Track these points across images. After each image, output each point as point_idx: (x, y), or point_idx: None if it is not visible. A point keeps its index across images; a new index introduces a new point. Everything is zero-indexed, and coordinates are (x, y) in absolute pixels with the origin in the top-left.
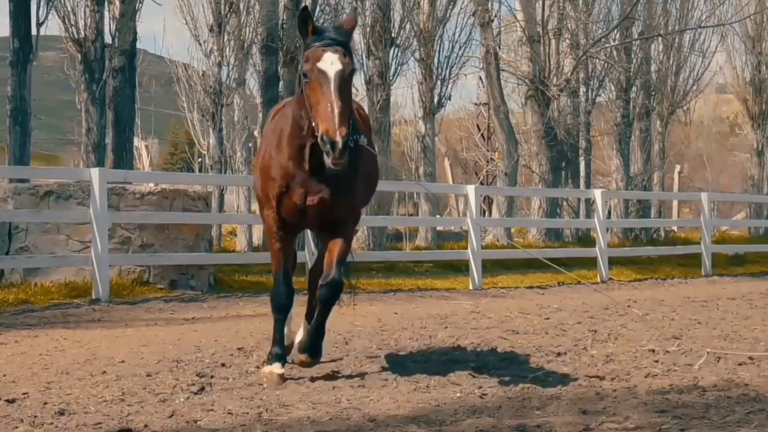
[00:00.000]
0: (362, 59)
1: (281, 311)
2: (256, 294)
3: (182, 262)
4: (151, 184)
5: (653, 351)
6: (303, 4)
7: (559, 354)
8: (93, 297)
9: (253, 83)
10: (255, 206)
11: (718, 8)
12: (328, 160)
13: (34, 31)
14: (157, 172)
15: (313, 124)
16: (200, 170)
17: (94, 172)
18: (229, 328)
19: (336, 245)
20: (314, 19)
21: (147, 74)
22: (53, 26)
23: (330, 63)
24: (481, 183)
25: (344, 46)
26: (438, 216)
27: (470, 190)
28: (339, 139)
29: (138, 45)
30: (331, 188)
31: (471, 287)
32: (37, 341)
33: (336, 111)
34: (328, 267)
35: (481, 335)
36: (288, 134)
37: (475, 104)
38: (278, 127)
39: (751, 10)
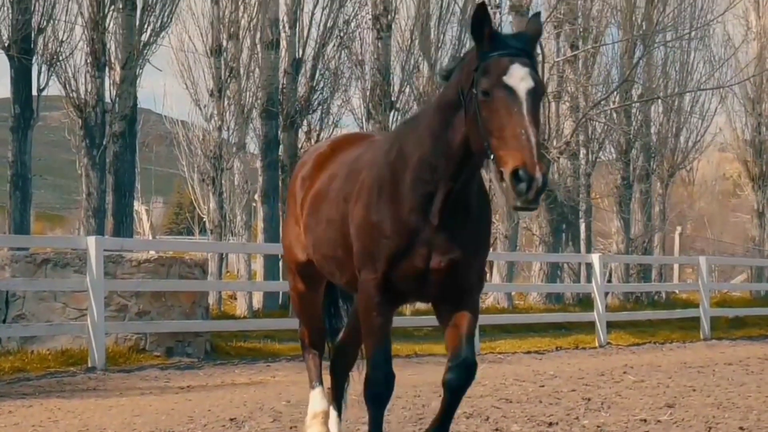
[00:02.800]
0: (362, 122)
1: (381, 403)
2: (253, 361)
3: (178, 329)
4: (153, 252)
5: (645, 421)
6: (480, 1)
7: (550, 424)
8: (89, 365)
9: (253, 147)
10: (256, 267)
11: (717, 70)
12: (516, 201)
13: (34, 92)
14: (154, 239)
15: (491, 155)
16: (201, 232)
17: (91, 241)
18: (224, 396)
19: (464, 319)
20: (315, 80)
21: (152, 133)
22: (57, 86)
23: (520, 78)
24: None
25: (533, 59)
26: None
27: None
28: (539, 176)
29: (143, 104)
30: (461, 245)
31: None
32: (31, 411)
33: (533, 140)
34: (456, 344)
35: (474, 404)
36: (410, 179)
37: None
38: (381, 173)
39: (750, 73)
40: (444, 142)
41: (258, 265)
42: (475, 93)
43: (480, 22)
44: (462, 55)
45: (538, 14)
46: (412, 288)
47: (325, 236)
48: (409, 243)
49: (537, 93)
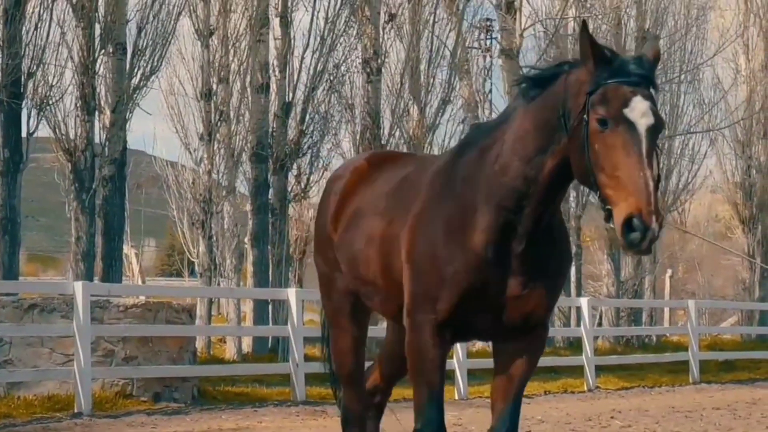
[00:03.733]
0: None
1: None
2: (240, 406)
3: (165, 374)
4: (142, 297)
5: None
6: (582, 21)
7: None
8: (75, 411)
9: (243, 190)
10: (246, 309)
11: (707, 113)
12: (626, 250)
13: (24, 134)
14: (141, 285)
15: (598, 191)
16: (191, 274)
17: (78, 286)
18: None
19: (521, 367)
20: (305, 123)
21: (145, 175)
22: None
23: (642, 113)
24: None
25: (656, 90)
26: None
27: None
28: (655, 226)
29: (136, 146)
30: (541, 279)
31: (456, 397)
32: None
33: (651, 185)
34: (501, 408)
35: None
36: (489, 207)
37: None
38: (445, 201)
39: (740, 116)
40: (536, 166)
41: (248, 307)
42: (586, 120)
43: (589, 39)
44: (555, 64)
45: (657, 36)
46: (478, 327)
47: (363, 256)
48: (484, 278)
49: (657, 131)
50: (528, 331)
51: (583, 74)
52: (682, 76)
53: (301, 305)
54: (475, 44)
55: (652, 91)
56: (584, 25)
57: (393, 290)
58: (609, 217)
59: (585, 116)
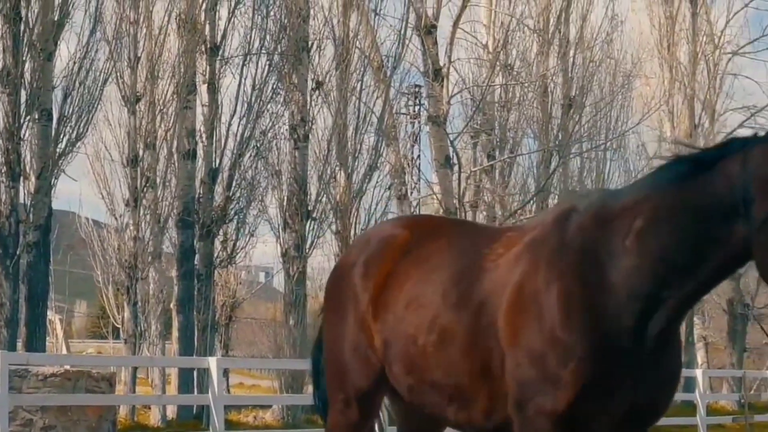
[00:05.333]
0: (278, 232)
1: None
2: None
3: None
4: (67, 366)
5: None
6: None
7: None
8: None
9: (169, 256)
10: (172, 373)
11: (634, 179)
12: None
13: None
14: (60, 354)
15: None
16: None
17: None
18: None
19: None
20: (231, 189)
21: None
22: None
23: None
24: None
25: None
26: None
27: None
28: None
29: (68, 207)
30: (667, 375)
31: None
32: None
33: None
34: None
35: None
36: (625, 291)
37: None
38: (563, 278)
39: None
40: (693, 254)
41: (173, 372)
42: None
43: None
44: (725, 143)
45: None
46: (596, 419)
47: (437, 359)
48: (610, 368)
49: None
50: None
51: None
52: (608, 143)
53: (223, 373)
54: (403, 110)
55: None
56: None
57: (485, 394)
58: None
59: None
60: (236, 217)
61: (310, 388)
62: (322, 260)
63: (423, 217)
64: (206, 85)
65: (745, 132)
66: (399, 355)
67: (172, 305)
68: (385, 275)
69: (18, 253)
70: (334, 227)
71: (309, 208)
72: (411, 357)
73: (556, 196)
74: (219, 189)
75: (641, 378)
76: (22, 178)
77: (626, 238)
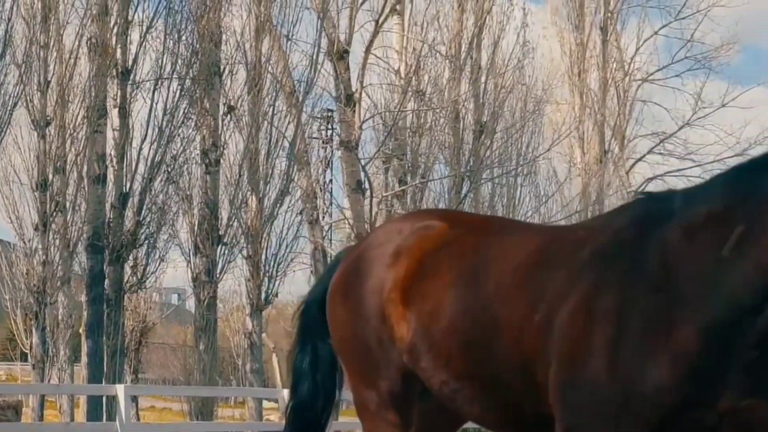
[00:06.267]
0: (189, 257)
1: None
2: None
3: None
4: None
5: None
6: None
7: None
8: None
9: (78, 281)
10: (81, 398)
11: (543, 205)
12: None
13: None
14: None
15: None
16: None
17: None
18: None
19: None
20: (142, 214)
21: None
22: None
23: None
24: None
25: None
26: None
27: (285, 394)
28: None
29: None
30: (761, 396)
31: None
32: None
33: None
34: None
35: None
36: (721, 302)
37: None
38: (646, 292)
39: (575, 207)
40: None
41: (82, 396)
42: None
43: None
44: None
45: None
46: None
47: (476, 347)
48: (696, 392)
49: None
50: None
51: None
52: (519, 169)
53: (130, 401)
54: (315, 135)
55: None
56: None
57: (527, 392)
58: None
59: None
60: (146, 241)
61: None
62: (233, 284)
63: (455, 211)
64: (117, 109)
65: (654, 158)
66: (434, 348)
67: (81, 330)
68: (419, 265)
69: None
70: (245, 252)
71: (220, 233)
72: (449, 350)
73: None
74: (129, 213)
75: (732, 401)
76: None
77: (724, 248)
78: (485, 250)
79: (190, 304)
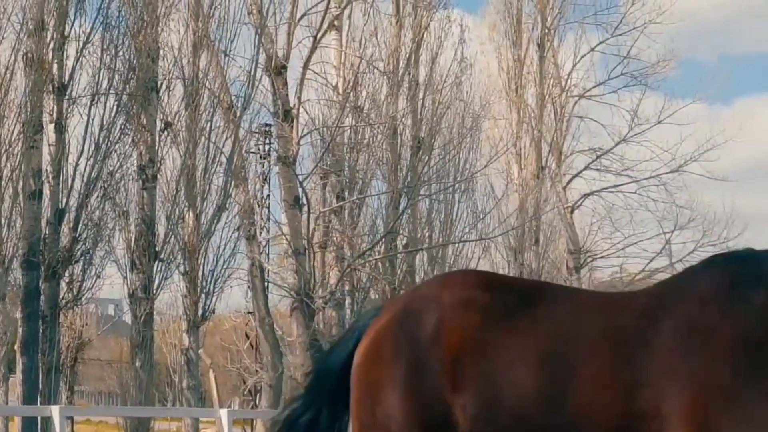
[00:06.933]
0: (126, 273)
1: None
2: None
3: None
4: None
5: None
6: None
7: None
8: None
9: (13, 297)
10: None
11: (480, 221)
12: None
13: None
14: None
15: None
16: None
17: None
18: None
19: None
20: (78, 230)
21: None
22: None
23: None
24: (249, 393)
25: None
26: None
27: (223, 414)
28: None
29: None
30: None
31: None
32: None
33: None
34: None
35: None
36: None
37: (248, 313)
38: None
39: (512, 223)
40: None
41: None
42: None
43: None
44: None
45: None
46: None
47: None
48: None
49: None
50: None
51: None
52: (456, 185)
53: (65, 422)
54: (253, 149)
55: None
56: None
57: None
58: None
59: None
60: (83, 258)
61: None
62: (169, 300)
63: (497, 277)
64: (53, 124)
65: (591, 174)
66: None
67: (16, 347)
68: (467, 344)
69: None
70: (182, 268)
71: (157, 249)
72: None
73: (405, 237)
74: (65, 229)
75: None
76: None
77: None
78: (549, 326)
79: (127, 316)
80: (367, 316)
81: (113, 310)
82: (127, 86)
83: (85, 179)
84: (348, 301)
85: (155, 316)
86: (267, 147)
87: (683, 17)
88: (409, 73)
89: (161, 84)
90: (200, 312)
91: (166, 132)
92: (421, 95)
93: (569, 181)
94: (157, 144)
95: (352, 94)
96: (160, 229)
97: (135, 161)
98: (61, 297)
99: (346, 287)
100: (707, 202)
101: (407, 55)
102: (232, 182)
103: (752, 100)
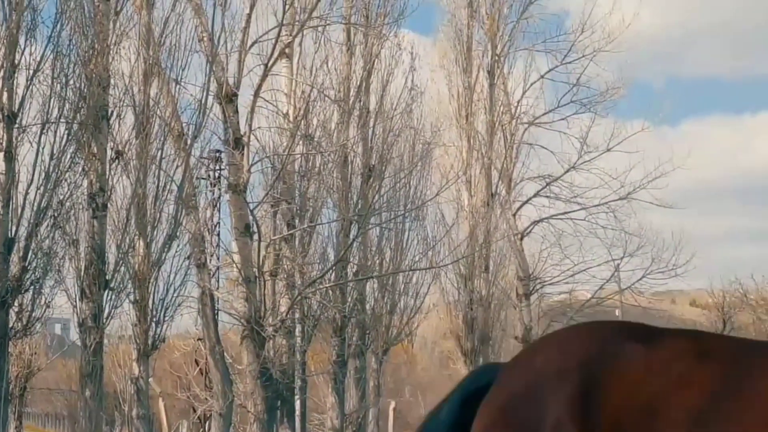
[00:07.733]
0: (75, 302)
1: None
2: None
3: None
4: None
5: None
6: None
7: None
8: None
9: None
10: None
11: (431, 250)
12: None
13: None
14: None
15: None
16: None
17: None
18: None
19: None
20: (27, 259)
21: None
22: None
23: None
24: (200, 420)
25: None
26: None
27: None
28: None
29: None
30: None
31: None
32: None
33: None
34: None
35: None
36: None
37: (198, 339)
38: None
39: (462, 251)
40: None
41: None
42: None
43: None
44: None
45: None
46: None
47: None
48: None
49: None
50: None
51: None
52: (407, 214)
53: None
54: (204, 176)
55: None
56: None
57: None
58: None
59: None
60: (32, 287)
61: None
62: (119, 329)
63: (645, 326)
64: (3, 153)
65: (541, 201)
66: None
67: None
68: (620, 411)
69: None
70: (132, 297)
71: (107, 278)
72: None
73: (356, 265)
74: (15, 259)
75: None
76: None
77: None
78: (740, 389)
79: (75, 335)
80: (483, 370)
81: (60, 330)
82: (78, 115)
83: (35, 208)
84: (298, 329)
85: (105, 340)
86: (217, 173)
87: (632, 45)
88: (360, 101)
89: (112, 112)
90: (150, 341)
91: (117, 161)
92: (371, 123)
93: (519, 208)
94: (107, 172)
95: (303, 122)
96: (111, 257)
97: (85, 190)
98: (10, 326)
99: (297, 315)
100: (656, 228)
101: (358, 83)
102: (183, 210)
103: (697, 122)
